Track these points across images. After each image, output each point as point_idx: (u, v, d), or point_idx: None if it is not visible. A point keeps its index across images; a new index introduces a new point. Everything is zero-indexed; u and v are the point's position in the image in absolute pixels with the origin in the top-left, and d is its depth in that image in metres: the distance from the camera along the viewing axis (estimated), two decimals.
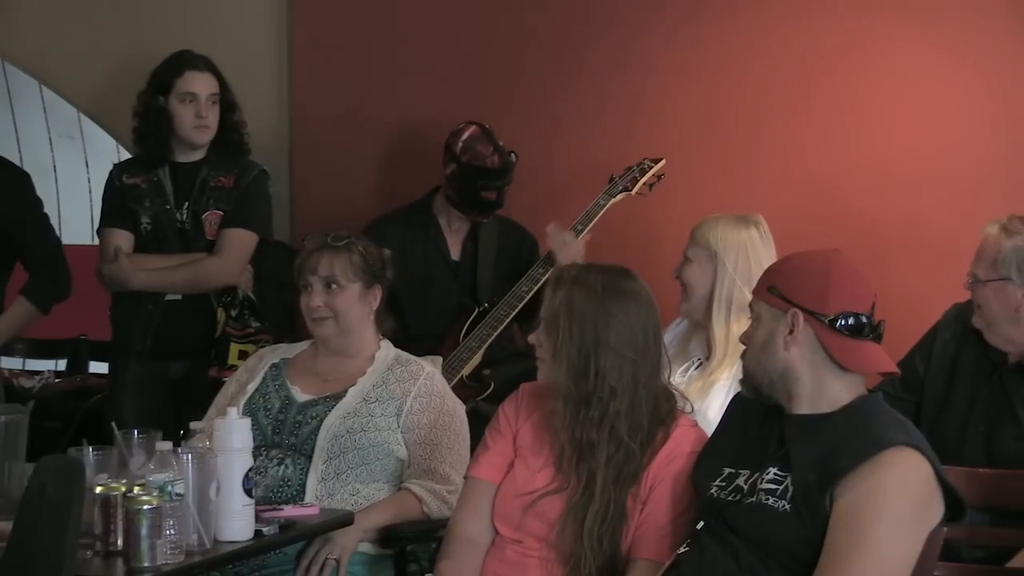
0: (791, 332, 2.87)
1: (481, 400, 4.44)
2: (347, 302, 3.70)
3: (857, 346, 2.86)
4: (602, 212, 4.55)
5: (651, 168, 4.62)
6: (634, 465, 3.08)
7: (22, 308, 4.72)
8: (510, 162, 4.62)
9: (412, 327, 4.58)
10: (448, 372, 4.46)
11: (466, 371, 4.51)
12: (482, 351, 4.53)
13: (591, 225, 4.53)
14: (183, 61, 4.60)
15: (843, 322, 2.86)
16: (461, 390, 4.27)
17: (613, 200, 4.57)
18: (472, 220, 4.70)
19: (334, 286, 3.69)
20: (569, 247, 4.46)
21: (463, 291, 4.71)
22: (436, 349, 4.53)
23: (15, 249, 4.68)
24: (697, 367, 3.92)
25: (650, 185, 4.61)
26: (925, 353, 3.76)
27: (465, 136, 4.62)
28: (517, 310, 4.51)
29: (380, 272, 3.75)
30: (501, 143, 4.62)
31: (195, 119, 4.55)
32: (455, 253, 4.75)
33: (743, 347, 3.00)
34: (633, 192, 4.59)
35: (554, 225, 4.53)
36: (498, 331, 4.53)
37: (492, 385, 4.50)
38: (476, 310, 4.62)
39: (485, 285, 4.70)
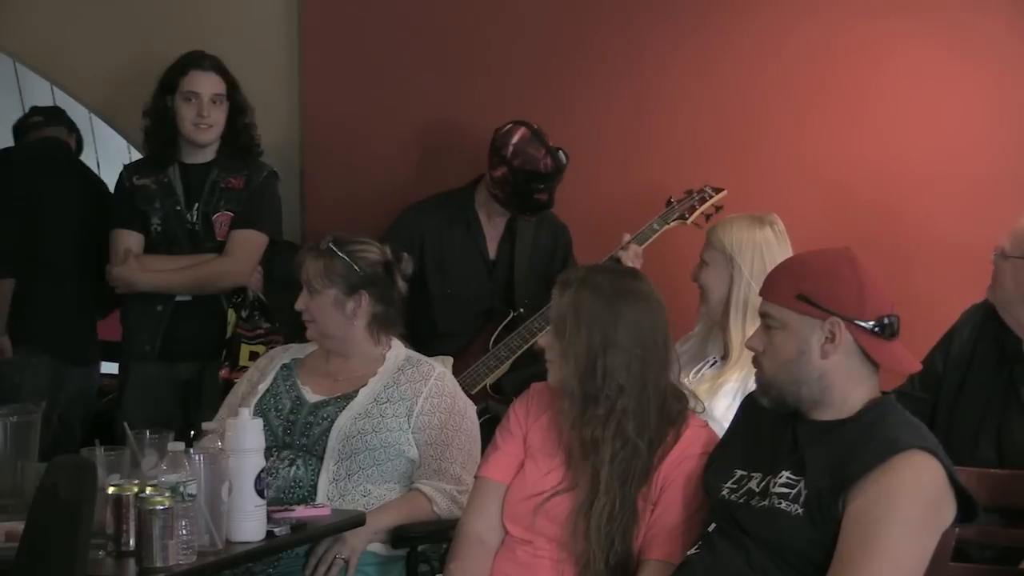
0: (832, 340, 2.84)
1: (492, 400, 4.43)
2: (319, 307, 3.69)
3: (889, 347, 2.86)
4: (655, 236, 4.39)
5: (712, 197, 4.45)
6: (641, 463, 3.09)
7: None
8: (562, 162, 4.50)
9: (440, 324, 4.56)
10: (471, 379, 4.42)
11: (490, 380, 4.45)
12: (510, 362, 4.45)
13: (641, 249, 4.36)
14: (189, 61, 4.62)
15: (881, 326, 2.85)
16: (481, 398, 4.26)
17: (667, 226, 4.42)
18: (522, 218, 4.61)
19: (311, 291, 3.69)
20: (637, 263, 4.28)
21: (497, 293, 4.65)
22: (464, 351, 4.49)
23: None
24: (711, 366, 3.91)
25: (707, 215, 4.43)
26: (944, 352, 3.76)
27: (515, 139, 4.49)
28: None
29: (375, 278, 3.70)
30: (550, 142, 4.50)
31: (196, 118, 4.56)
32: (492, 251, 4.67)
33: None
34: (689, 221, 4.42)
35: (632, 244, 4.35)
36: (529, 343, 4.42)
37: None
38: (510, 314, 4.55)
39: (521, 288, 4.63)
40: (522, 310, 4.55)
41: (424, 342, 4.28)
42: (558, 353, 3.16)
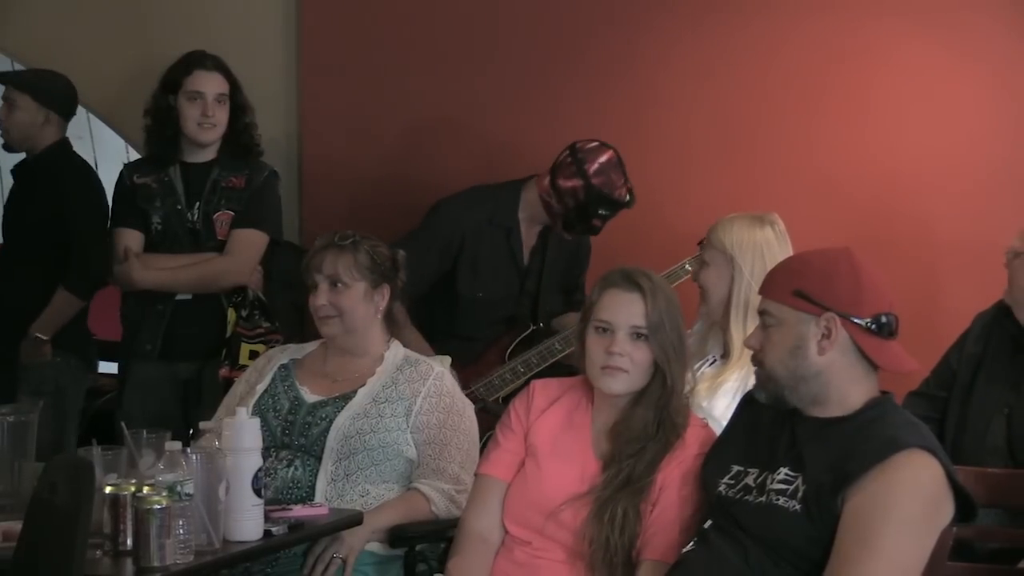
0: (828, 336, 2.84)
1: (491, 399, 4.42)
2: (351, 301, 3.68)
3: (887, 346, 2.86)
4: (686, 276, 4.33)
5: None
6: (653, 465, 3.10)
7: (58, 296, 4.81)
8: (632, 200, 4.46)
9: (458, 326, 4.55)
10: (487, 390, 4.42)
11: (504, 393, 4.43)
12: (526, 378, 4.41)
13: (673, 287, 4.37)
14: (193, 60, 4.61)
15: (878, 323, 2.84)
16: (494, 408, 4.25)
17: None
18: (561, 234, 4.57)
19: (339, 285, 3.68)
20: None
21: (523, 301, 4.62)
22: (479, 359, 4.48)
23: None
24: (711, 364, 3.91)
25: None
26: (958, 351, 3.82)
27: (602, 159, 4.44)
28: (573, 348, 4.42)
29: (389, 272, 3.72)
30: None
31: (200, 117, 4.55)
32: (525, 259, 4.64)
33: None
34: None
35: None
36: (548, 363, 4.42)
37: None
38: (530, 328, 4.53)
39: (546, 299, 4.60)
40: (542, 324, 4.53)
41: (436, 342, 4.27)
42: (636, 362, 3.14)
